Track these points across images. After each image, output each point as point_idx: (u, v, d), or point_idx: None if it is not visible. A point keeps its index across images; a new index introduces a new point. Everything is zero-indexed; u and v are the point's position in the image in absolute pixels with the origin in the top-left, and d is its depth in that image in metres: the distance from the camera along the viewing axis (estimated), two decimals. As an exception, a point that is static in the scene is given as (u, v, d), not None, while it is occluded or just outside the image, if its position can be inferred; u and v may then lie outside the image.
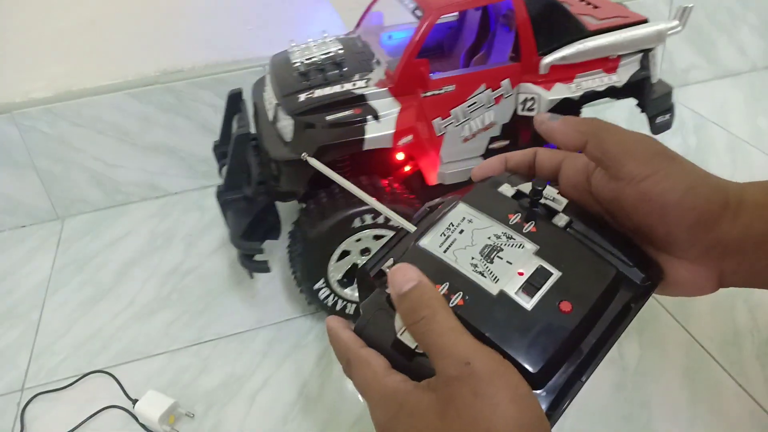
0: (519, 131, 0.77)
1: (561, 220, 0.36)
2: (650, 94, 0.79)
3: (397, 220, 0.38)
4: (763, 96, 1.24)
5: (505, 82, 0.74)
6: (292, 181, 0.73)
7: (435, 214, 0.37)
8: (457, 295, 0.32)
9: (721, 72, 1.31)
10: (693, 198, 0.33)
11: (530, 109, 0.75)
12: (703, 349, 0.73)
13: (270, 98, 0.77)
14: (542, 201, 0.37)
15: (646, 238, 0.36)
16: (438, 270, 0.33)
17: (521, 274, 0.33)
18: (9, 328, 0.85)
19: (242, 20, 1.00)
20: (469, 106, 0.74)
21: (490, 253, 0.34)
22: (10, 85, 0.96)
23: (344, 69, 0.75)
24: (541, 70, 0.74)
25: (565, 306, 0.31)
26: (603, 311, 0.33)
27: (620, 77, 0.76)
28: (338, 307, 0.77)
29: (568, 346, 0.31)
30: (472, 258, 0.34)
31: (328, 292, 0.75)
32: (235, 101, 0.88)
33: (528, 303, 0.31)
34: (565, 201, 0.37)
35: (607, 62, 0.76)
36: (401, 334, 0.31)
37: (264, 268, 0.74)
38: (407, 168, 0.79)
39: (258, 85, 0.87)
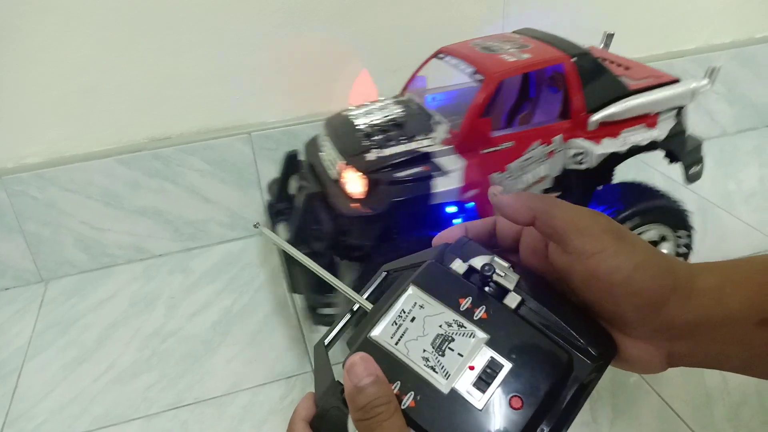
0: (568, 183, 0.83)
1: (512, 300, 0.36)
2: (684, 147, 0.86)
3: (352, 296, 0.38)
4: (732, 160, 1.28)
5: (557, 138, 0.79)
6: (362, 235, 0.76)
7: (387, 297, 0.37)
8: (408, 395, 0.32)
9: (693, 137, 1.35)
10: (640, 277, 0.34)
11: (580, 163, 0.80)
12: (675, 413, 0.74)
13: (331, 158, 0.81)
14: (493, 278, 0.36)
15: (597, 313, 0.36)
16: (390, 366, 0.33)
17: (472, 368, 0.32)
18: (-13, 393, 0.85)
19: (230, 88, 1.04)
20: (524, 161, 0.79)
21: (441, 344, 0.34)
22: (4, 148, 0.99)
23: (406, 129, 0.79)
24: (590, 127, 0.79)
25: (516, 402, 0.31)
26: (556, 398, 0.33)
27: (660, 132, 0.83)
28: None
29: None
30: (424, 350, 0.33)
31: None
32: (292, 161, 0.92)
33: (479, 401, 0.32)
34: (516, 278, 0.37)
35: (647, 118, 0.82)
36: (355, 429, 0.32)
37: (328, 321, 0.77)
38: (455, 221, 0.83)
39: (311, 145, 0.91)
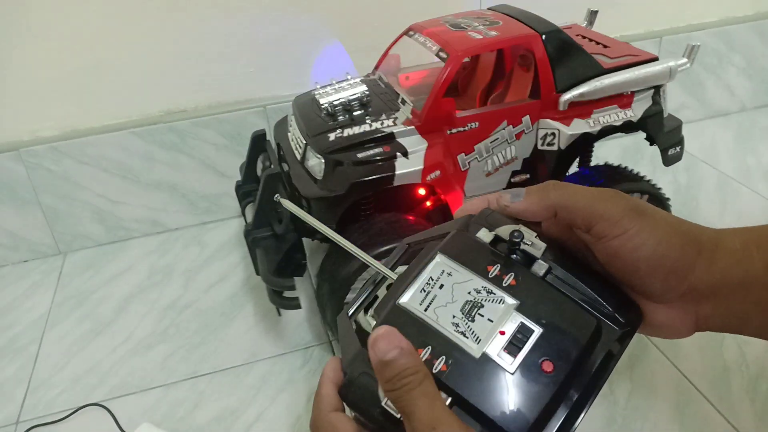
0: (539, 165, 0.81)
1: (540, 268, 0.35)
2: (662, 128, 0.83)
3: (377, 266, 0.38)
4: (751, 135, 1.26)
5: (526, 119, 0.77)
6: (324, 218, 0.75)
7: (414, 265, 0.37)
8: (440, 360, 0.32)
9: (711, 112, 1.34)
10: (665, 250, 0.34)
11: (550, 144, 0.79)
12: (692, 386, 0.73)
13: (297, 138, 0.80)
14: (520, 247, 0.36)
15: (622, 283, 0.36)
16: (420, 331, 0.33)
17: (503, 333, 0.32)
18: (8, 362, 0.86)
19: (244, 62, 1.03)
20: (491, 142, 0.77)
21: (470, 310, 0.33)
22: (18, 123, 0.99)
23: (370, 109, 0.78)
24: (561, 107, 0.77)
25: (547, 366, 0.31)
26: (585, 363, 0.33)
27: (635, 112, 0.81)
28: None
29: (551, 407, 0.31)
30: (454, 316, 0.33)
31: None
32: (259, 142, 0.91)
33: (510, 365, 0.31)
34: (543, 246, 0.36)
35: (622, 98, 0.80)
36: (386, 402, 0.31)
37: (294, 304, 0.76)
38: (428, 203, 0.82)
39: (280, 125, 0.90)
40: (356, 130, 0.75)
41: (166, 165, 1.06)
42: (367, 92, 0.81)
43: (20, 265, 1.07)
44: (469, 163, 0.78)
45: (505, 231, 0.37)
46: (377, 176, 0.72)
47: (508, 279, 0.35)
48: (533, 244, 0.36)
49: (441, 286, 0.35)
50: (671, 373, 0.75)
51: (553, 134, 0.78)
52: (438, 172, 0.75)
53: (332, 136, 0.75)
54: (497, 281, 0.35)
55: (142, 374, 0.82)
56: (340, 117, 0.78)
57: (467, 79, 0.95)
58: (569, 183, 0.37)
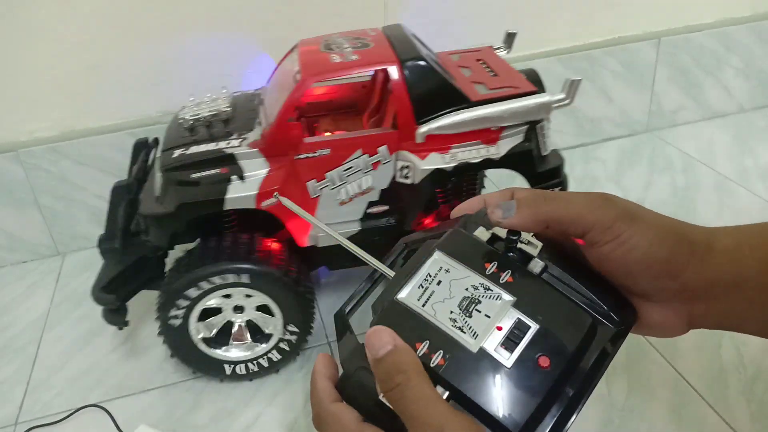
0: (397, 197, 0.75)
1: (536, 266, 0.36)
2: (534, 168, 0.75)
3: (374, 264, 0.38)
4: (749, 136, 1.27)
5: (383, 149, 0.72)
6: (155, 236, 0.73)
7: (412, 262, 0.37)
8: (437, 354, 0.32)
9: (709, 113, 1.34)
10: (655, 252, 0.34)
11: (406, 177, 0.73)
12: (690, 386, 0.74)
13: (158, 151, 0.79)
14: (517, 245, 0.37)
15: (616, 283, 0.37)
16: (417, 326, 0.33)
17: (500, 328, 0.33)
18: (6, 363, 0.86)
19: (241, 63, 1.03)
20: (345, 170, 0.72)
21: (468, 306, 0.34)
22: (16, 124, 0.99)
23: (228, 126, 0.75)
24: (417, 139, 0.71)
25: (544, 361, 0.32)
26: (580, 360, 0.33)
27: (499, 149, 0.73)
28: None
29: (547, 402, 0.31)
30: (451, 312, 0.34)
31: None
32: (136, 149, 0.88)
33: (507, 359, 0.32)
34: (539, 244, 0.37)
35: (489, 133, 0.72)
36: (383, 396, 0.32)
37: (119, 322, 0.74)
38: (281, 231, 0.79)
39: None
40: (201, 148, 0.72)
41: (164, 166, 1.06)
42: (228, 109, 0.78)
43: (19, 266, 1.07)
44: (320, 190, 0.73)
45: (501, 230, 0.38)
46: (205, 199, 0.70)
47: (505, 276, 0.35)
48: (530, 242, 0.37)
49: (439, 283, 0.35)
50: (668, 373, 0.75)
51: (408, 167, 0.72)
52: (275, 199, 0.70)
53: (177, 153, 0.72)
54: (494, 278, 0.35)
55: (139, 375, 0.82)
56: (200, 133, 0.75)
57: (365, 99, 0.88)
58: (560, 192, 0.37)
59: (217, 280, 0.70)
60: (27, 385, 0.82)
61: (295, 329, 0.75)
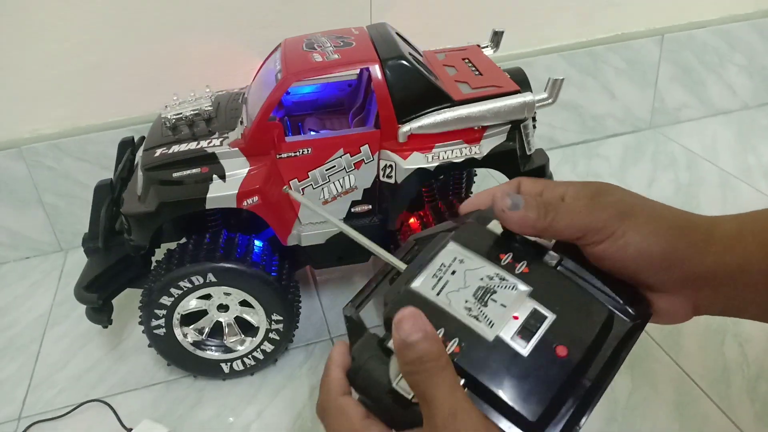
0: (380, 196, 0.75)
1: (551, 258, 0.36)
2: (516, 167, 0.74)
3: (386, 257, 0.38)
4: (752, 133, 1.26)
5: (365, 148, 0.72)
6: (137, 235, 0.73)
7: (425, 253, 0.37)
8: (452, 342, 0.32)
9: (712, 110, 1.34)
10: (651, 246, 0.35)
11: (389, 177, 0.73)
12: (694, 384, 0.73)
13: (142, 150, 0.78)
14: (531, 239, 0.37)
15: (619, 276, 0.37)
16: (432, 314, 0.33)
17: (516, 318, 0.33)
18: (9, 361, 0.86)
19: (243, 62, 1.03)
20: (327, 170, 0.72)
21: (483, 295, 0.34)
22: (19, 121, 0.99)
23: (210, 126, 0.75)
24: (400, 139, 0.71)
25: (561, 350, 0.32)
26: (597, 352, 0.33)
27: (481, 149, 0.72)
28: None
29: (565, 392, 0.31)
30: (466, 301, 0.33)
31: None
32: (121, 148, 0.88)
33: (524, 348, 0.32)
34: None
35: (471, 133, 0.72)
36: (397, 383, 0.32)
37: (102, 320, 0.75)
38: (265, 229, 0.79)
39: None
40: (182, 147, 0.72)
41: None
42: (210, 108, 0.78)
43: (21, 263, 1.07)
44: (302, 189, 0.72)
45: None
46: (186, 198, 0.69)
47: (521, 267, 0.35)
48: None
49: (453, 272, 0.35)
50: (673, 371, 0.75)
51: (391, 167, 0.72)
52: (256, 198, 0.69)
53: (158, 152, 0.72)
54: (510, 268, 0.35)
55: (142, 372, 0.82)
56: (182, 132, 0.75)
57: (352, 98, 0.88)
58: (560, 203, 0.37)
59: (185, 283, 0.70)
60: (29, 383, 0.82)
61: (279, 317, 0.75)
